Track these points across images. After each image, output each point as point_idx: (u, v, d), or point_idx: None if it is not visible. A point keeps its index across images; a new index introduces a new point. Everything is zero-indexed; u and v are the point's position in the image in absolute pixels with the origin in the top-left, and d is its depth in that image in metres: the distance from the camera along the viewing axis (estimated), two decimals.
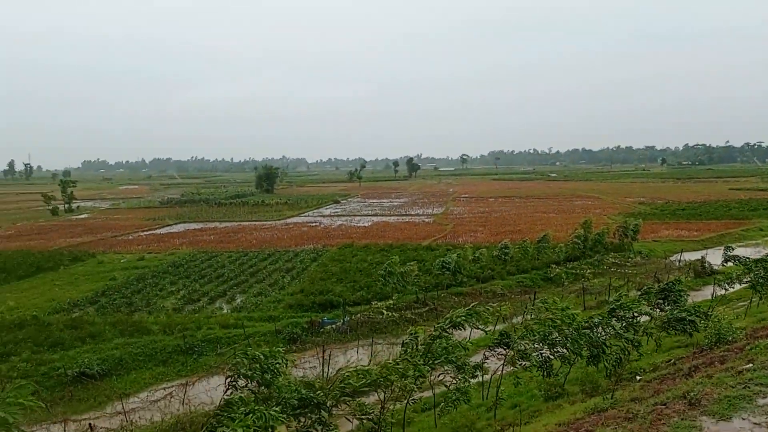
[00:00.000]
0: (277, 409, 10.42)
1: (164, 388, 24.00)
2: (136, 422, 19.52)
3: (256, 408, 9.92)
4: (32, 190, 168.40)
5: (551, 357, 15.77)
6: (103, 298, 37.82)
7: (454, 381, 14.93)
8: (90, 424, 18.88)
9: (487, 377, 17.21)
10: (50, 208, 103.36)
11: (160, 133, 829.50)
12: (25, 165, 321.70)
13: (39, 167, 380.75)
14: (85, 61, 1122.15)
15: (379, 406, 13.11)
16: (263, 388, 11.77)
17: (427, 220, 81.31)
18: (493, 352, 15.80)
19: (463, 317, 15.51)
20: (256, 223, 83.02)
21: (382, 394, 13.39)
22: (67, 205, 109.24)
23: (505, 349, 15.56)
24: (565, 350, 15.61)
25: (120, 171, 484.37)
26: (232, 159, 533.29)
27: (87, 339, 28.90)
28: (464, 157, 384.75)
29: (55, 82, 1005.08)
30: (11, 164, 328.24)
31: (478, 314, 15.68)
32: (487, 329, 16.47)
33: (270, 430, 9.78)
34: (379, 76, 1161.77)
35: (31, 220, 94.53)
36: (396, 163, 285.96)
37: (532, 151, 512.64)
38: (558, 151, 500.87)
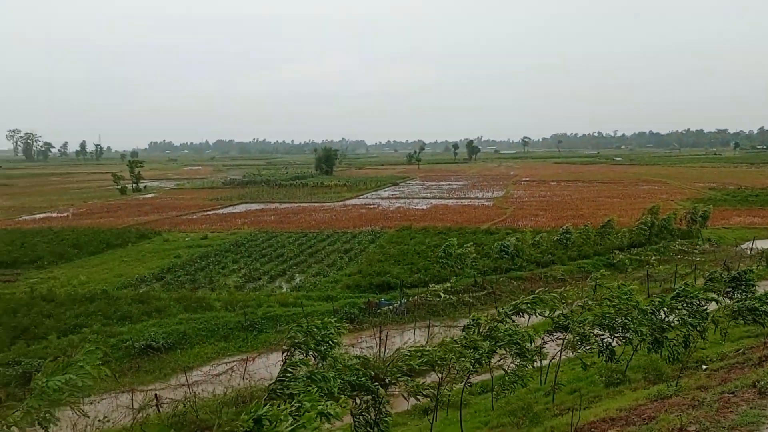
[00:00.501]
0: (334, 375, 10.50)
1: (225, 363, 24.65)
2: (199, 394, 20.11)
3: (315, 371, 10.03)
4: (102, 170, 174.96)
5: (612, 342, 15.37)
6: (169, 274, 39.05)
7: (513, 366, 14.74)
8: (156, 394, 19.60)
9: (545, 362, 16.94)
10: (119, 187, 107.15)
11: (223, 115, 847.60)
12: (96, 146, 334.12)
13: (108, 148, 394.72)
14: (155, 43, 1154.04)
15: (436, 385, 13.08)
16: (320, 362, 11.88)
17: (486, 203, 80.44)
18: (551, 336, 15.50)
19: (528, 304, 15.19)
20: (315, 204, 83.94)
21: (440, 374, 13.36)
22: (134, 185, 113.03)
23: (563, 333, 15.25)
24: (627, 334, 15.16)
25: (185, 152, 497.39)
26: (292, 141, 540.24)
27: (153, 313, 29.93)
28: (525, 139, 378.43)
29: (124, 64, 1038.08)
30: (83, 145, 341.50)
31: (544, 301, 15.34)
32: (551, 315, 16.15)
33: (331, 394, 9.83)
34: (440, 57, 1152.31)
35: (101, 198, 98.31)
36: (456, 146, 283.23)
37: (596, 134, 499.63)
38: (624, 134, 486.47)
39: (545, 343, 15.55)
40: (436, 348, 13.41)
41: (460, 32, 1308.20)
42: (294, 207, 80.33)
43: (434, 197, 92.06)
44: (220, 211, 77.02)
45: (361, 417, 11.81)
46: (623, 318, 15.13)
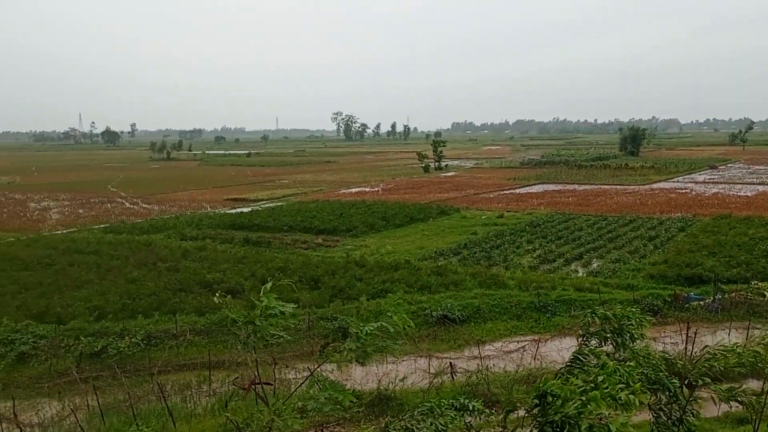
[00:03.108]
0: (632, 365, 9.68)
1: (517, 341, 24.72)
2: (491, 368, 20.48)
3: (608, 362, 9.37)
4: (409, 150, 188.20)
5: None
6: (465, 250, 40.46)
7: None
8: (450, 362, 20.48)
9: None
10: (423, 165, 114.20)
11: (523, 95, 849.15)
12: (404, 126, 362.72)
13: (415, 128, 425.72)
14: (473, 27, 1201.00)
15: (759, 393, 11.34)
16: (618, 352, 11.11)
17: None
18: None
19: None
20: (618, 187, 79.42)
21: (763, 380, 11.55)
22: (436, 164, 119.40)
23: None
24: None
25: (484, 132, 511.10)
26: (595, 120, 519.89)
27: (450, 286, 31.31)
28: None
29: (440, 49, 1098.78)
30: (393, 126, 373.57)
31: None
32: None
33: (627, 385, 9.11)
34: None
35: (407, 175, 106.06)
36: None
37: None
38: None
39: None
40: (756, 349, 11.59)
41: None
42: (594, 189, 77.08)
43: (762, 183, 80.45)
44: (517, 191, 77.39)
45: (661, 413, 10.81)
46: None
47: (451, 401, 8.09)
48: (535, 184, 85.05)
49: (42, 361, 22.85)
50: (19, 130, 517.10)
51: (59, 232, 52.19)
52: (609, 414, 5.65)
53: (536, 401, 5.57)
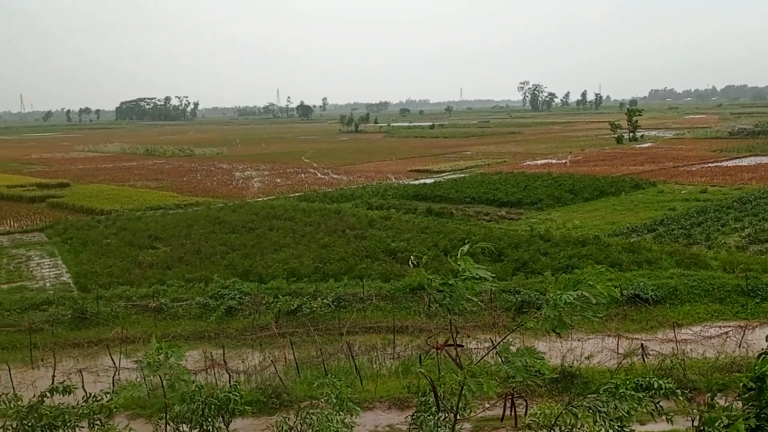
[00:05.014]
0: None
1: (719, 327, 22.59)
2: (687, 353, 19.01)
3: None
4: (600, 119, 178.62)
5: None
6: (661, 227, 37.71)
7: None
8: (642, 344, 19.32)
9: None
10: (615, 136, 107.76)
11: (733, 58, 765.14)
12: (596, 95, 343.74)
13: (608, 97, 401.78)
14: None
15: None
16: None
17: None
18: None
19: None
20: None
21: None
22: (631, 134, 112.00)
23: None
24: None
25: (687, 100, 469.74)
26: None
27: (643, 264, 29.42)
28: None
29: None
30: (584, 95, 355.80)
31: None
32: None
33: None
34: None
35: (597, 147, 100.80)
36: None
37: None
38: None
39: None
40: None
41: None
42: None
43: None
44: (724, 164, 70.30)
45: None
46: None
47: (637, 380, 7.57)
48: (746, 156, 76.62)
49: (246, 315, 25.14)
50: (225, 106, 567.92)
51: (260, 199, 56.86)
52: None
53: (752, 384, 4.98)
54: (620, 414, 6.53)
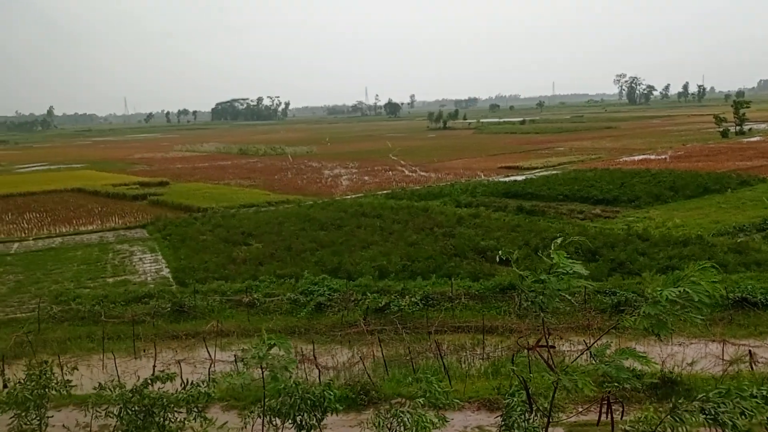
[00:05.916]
0: None
1: None
2: None
3: None
4: (703, 112, 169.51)
5: None
6: None
7: None
8: (750, 350, 18.09)
9: None
10: (720, 129, 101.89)
11: None
12: (698, 87, 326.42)
13: (712, 88, 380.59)
14: None
15: None
16: None
17: None
18: None
19: None
20: None
21: None
22: (738, 127, 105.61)
23: None
24: None
25: None
26: None
27: (751, 265, 27.59)
28: None
29: None
30: (685, 86, 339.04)
31: None
32: None
33: None
34: None
35: (700, 141, 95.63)
36: None
37: None
38: None
39: None
40: None
41: None
42: None
43: None
44: None
45: None
46: None
47: (754, 389, 6.97)
48: None
49: (335, 311, 25.41)
50: (315, 105, 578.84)
51: (348, 196, 57.50)
52: None
53: None
54: (737, 421, 6.03)
